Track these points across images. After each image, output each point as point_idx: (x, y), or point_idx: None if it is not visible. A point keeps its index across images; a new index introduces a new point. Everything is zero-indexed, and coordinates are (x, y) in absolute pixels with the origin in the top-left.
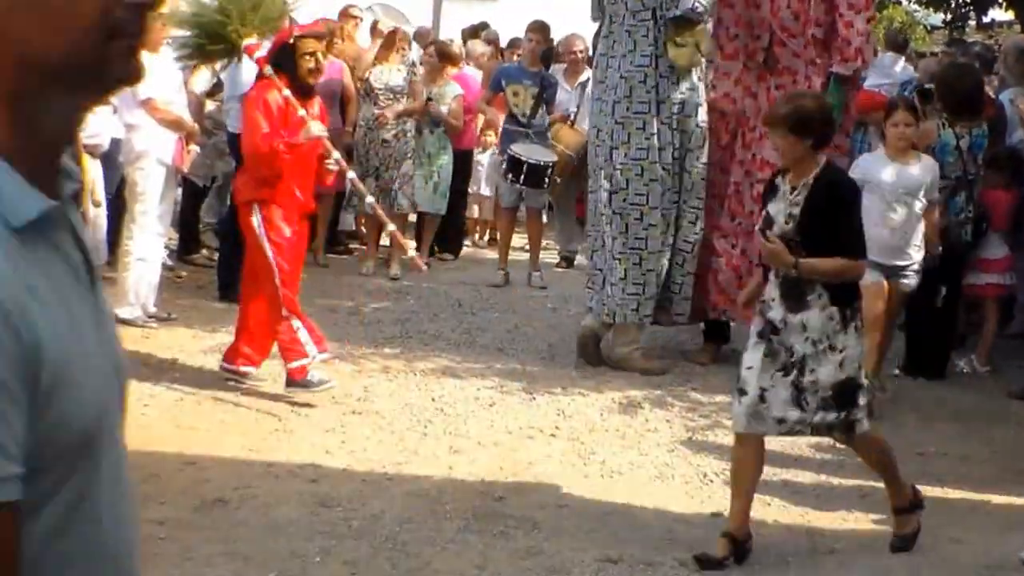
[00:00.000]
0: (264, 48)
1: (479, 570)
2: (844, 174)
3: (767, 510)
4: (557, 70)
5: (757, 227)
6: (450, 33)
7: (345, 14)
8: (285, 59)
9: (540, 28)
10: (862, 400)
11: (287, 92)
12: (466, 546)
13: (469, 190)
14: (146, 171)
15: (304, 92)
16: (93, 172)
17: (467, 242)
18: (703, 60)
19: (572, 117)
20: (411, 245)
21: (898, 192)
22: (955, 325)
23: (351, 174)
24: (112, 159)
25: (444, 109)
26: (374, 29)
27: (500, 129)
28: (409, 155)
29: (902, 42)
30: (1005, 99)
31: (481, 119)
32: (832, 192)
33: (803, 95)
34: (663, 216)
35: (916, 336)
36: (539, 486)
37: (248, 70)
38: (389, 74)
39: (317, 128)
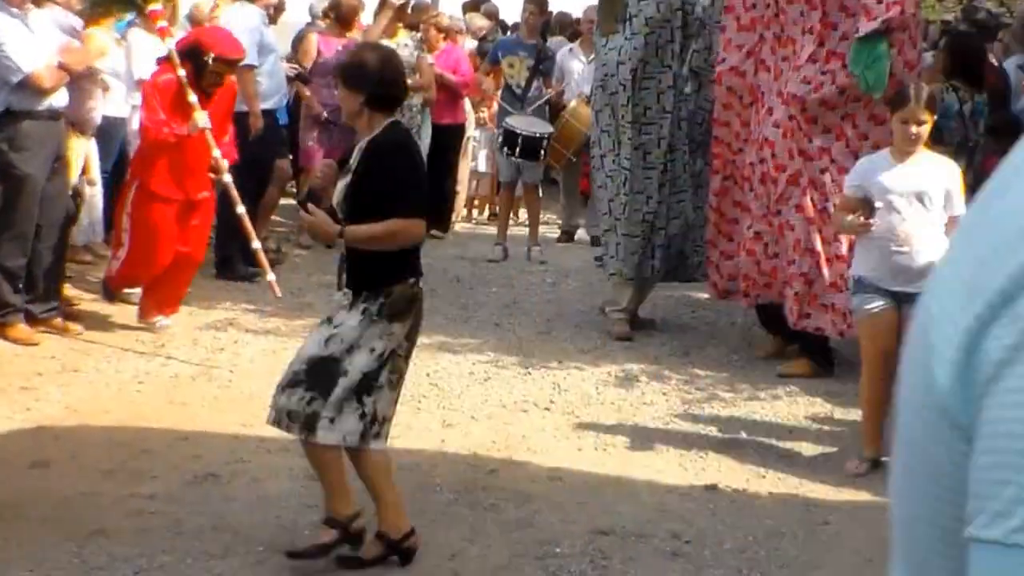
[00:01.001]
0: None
1: (468, 543)
2: (402, 134)
3: (762, 481)
4: (558, 43)
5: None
6: (451, 7)
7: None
8: (194, 59)
9: (536, 0)
10: (344, 399)
11: (182, 73)
12: (456, 519)
13: (470, 166)
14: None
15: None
16: (88, 150)
17: (461, 218)
18: None
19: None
20: (271, 275)
21: (907, 198)
22: None
23: (227, 178)
24: (108, 137)
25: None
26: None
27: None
28: (414, 131)
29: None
30: (1010, 66)
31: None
32: (378, 152)
33: (368, 47)
34: (664, 173)
35: None
36: (532, 459)
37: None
38: (396, 49)
39: (202, 120)
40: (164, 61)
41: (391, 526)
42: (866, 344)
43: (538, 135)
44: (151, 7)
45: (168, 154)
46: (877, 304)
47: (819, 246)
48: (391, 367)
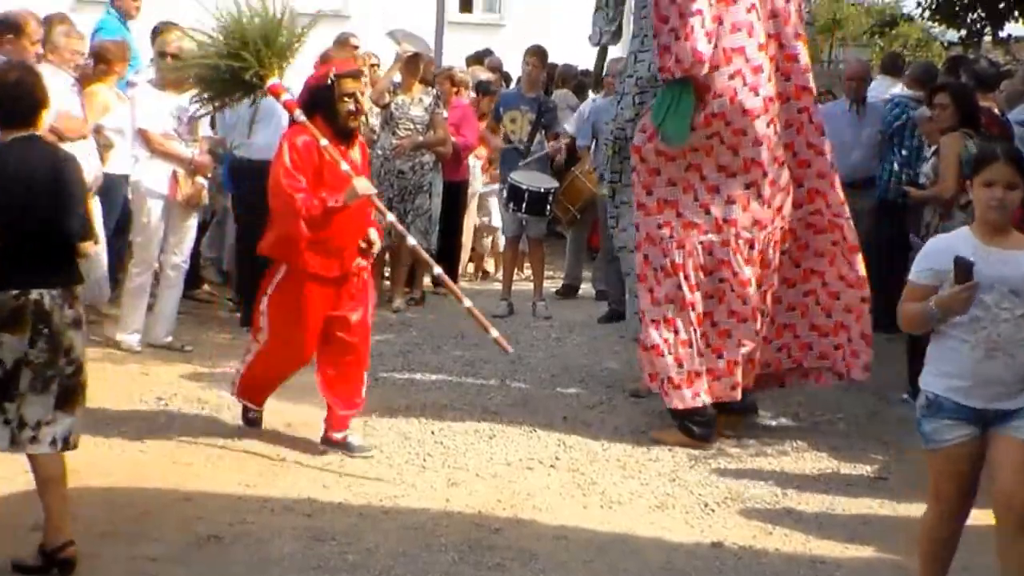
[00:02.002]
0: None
1: None
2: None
3: (769, 538)
4: (563, 95)
5: None
6: (453, 60)
7: (344, 43)
8: (321, 102)
9: (537, 53)
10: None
11: (325, 142)
12: None
13: (483, 221)
14: (139, 202)
15: (344, 137)
16: (91, 208)
17: (478, 274)
18: None
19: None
20: (493, 331)
21: (999, 290)
22: None
23: (390, 216)
24: (111, 195)
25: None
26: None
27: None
28: (425, 188)
29: (898, 65)
30: (1015, 118)
31: (473, 159)
32: None
33: (11, 67)
34: None
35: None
36: (537, 517)
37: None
38: (411, 104)
39: (363, 186)
40: (294, 124)
41: (51, 537)
42: (940, 482)
43: (543, 190)
44: (270, 82)
45: (319, 228)
46: (959, 435)
47: (646, 306)
48: (31, 374)
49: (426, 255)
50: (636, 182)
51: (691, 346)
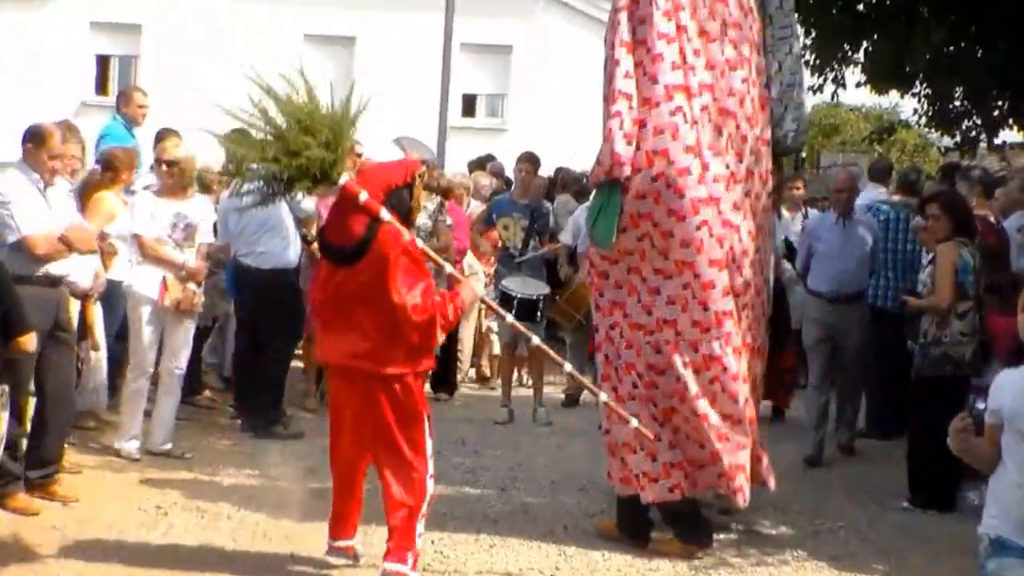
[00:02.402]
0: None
1: None
2: None
3: None
4: (564, 201)
5: None
6: (455, 165)
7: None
8: (400, 202)
9: (530, 159)
10: None
11: (420, 242)
12: None
13: (482, 328)
14: (132, 307)
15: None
16: (93, 315)
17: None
18: None
19: None
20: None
21: None
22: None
23: (509, 318)
24: (113, 301)
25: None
26: None
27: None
28: None
29: (885, 171)
30: (1011, 226)
31: (469, 255)
32: None
33: None
34: None
35: (922, 467)
36: None
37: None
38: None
39: (479, 288)
40: (385, 226)
41: None
42: None
43: (534, 297)
44: (343, 179)
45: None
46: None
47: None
48: None
49: (552, 353)
50: (591, 285)
51: (659, 439)
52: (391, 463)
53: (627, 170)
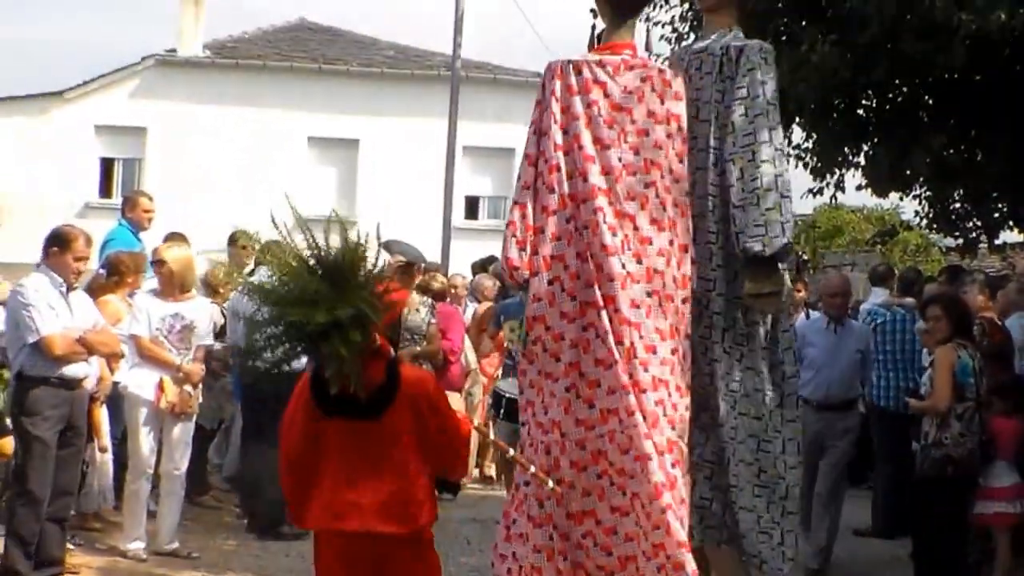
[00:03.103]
0: None
1: None
2: None
3: None
4: None
5: None
6: (459, 267)
7: None
8: (396, 337)
9: None
10: None
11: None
12: None
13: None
14: (129, 408)
15: None
16: (100, 417)
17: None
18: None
19: None
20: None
21: None
22: (965, 554)
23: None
24: (118, 403)
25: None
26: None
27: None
28: None
29: (887, 275)
30: (1013, 325)
31: (472, 357)
32: None
33: None
34: None
35: (927, 566)
36: None
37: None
38: (408, 314)
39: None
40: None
41: None
42: None
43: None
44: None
45: None
46: None
47: None
48: None
49: (523, 460)
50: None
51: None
52: None
53: (525, 273)
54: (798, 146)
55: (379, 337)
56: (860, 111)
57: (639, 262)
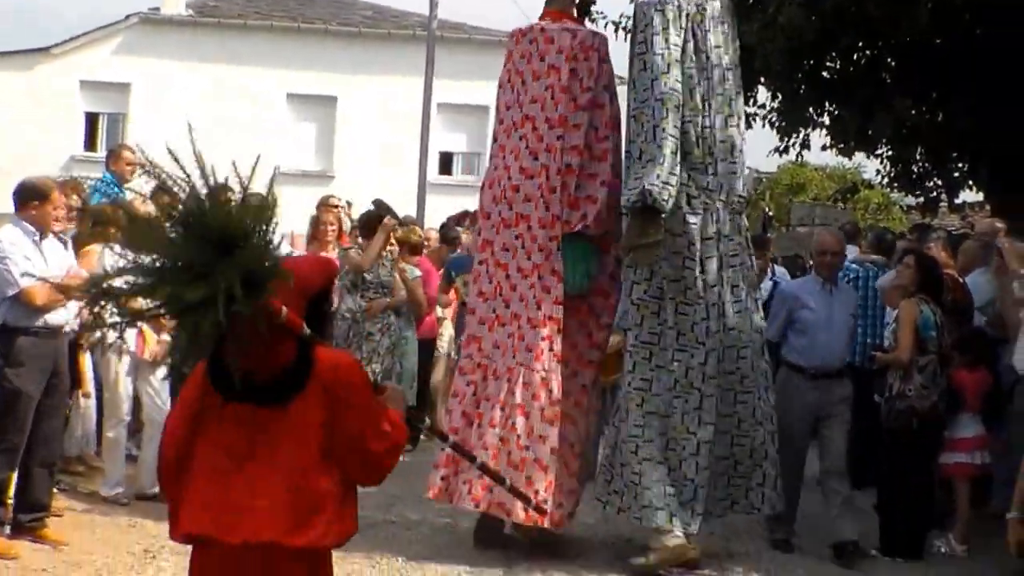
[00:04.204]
0: None
1: None
2: None
3: None
4: None
5: None
6: (432, 221)
7: (325, 205)
8: (323, 315)
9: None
10: None
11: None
12: None
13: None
14: (106, 358)
15: None
16: (84, 364)
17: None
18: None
19: None
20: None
21: None
22: (931, 504)
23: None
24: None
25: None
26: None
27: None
28: (399, 348)
29: (854, 232)
30: (971, 281)
31: (439, 310)
32: None
33: None
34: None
35: (891, 516)
36: None
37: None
38: (379, 267)
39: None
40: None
41: None
42: None
43: None
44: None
45: None
46: None
47: None
48: None
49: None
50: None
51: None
52: None
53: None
54: (764, 106)
55: (282, 308)
56: (825, 72)
57: (510, 208)
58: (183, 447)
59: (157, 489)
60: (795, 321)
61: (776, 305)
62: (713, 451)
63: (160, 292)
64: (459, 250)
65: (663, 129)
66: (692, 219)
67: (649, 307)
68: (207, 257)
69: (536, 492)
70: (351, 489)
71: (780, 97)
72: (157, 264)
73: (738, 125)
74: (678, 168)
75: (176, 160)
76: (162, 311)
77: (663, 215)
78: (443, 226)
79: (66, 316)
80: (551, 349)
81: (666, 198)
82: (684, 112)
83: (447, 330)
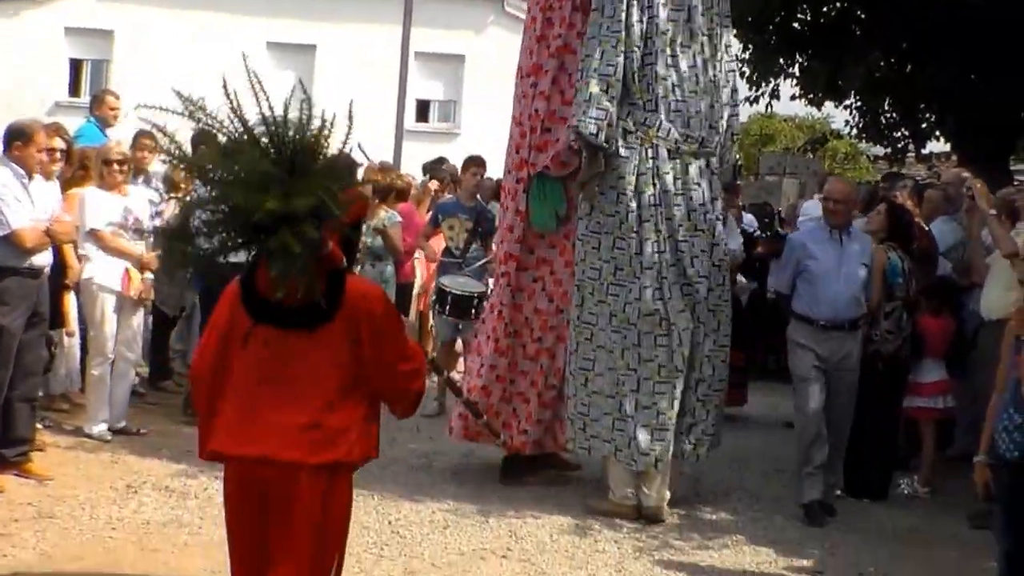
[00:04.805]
0: None
1: None
2: None
3: None
4: None
5: None
6: (409, 168)
7: None
8: (350, 245)
9: (477, 162)
10: None
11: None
12: None
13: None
14: (92, 297)
15: None
16: (69, 303)
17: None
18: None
19: None
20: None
21: None
22: (895, 446)
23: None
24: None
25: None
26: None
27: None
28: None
29: (823, 181)
30: (936, 228)
31: (419, 254)
32: None
33: None
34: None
35: (857, 457)
36: None
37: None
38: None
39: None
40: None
41: None
42: None
43: (468, 294)
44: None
45: None
46: None
47: None
48: None
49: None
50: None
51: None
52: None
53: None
54: (735, 56)
55: (331, 239)
56: (796, 24)
57: (507, 157)
58: (214, 367)
59: (124, 423)
60: (803, 271)
61: (785, 255)
62: (657, 389)
63: (237, 198)
64: (446, 193)
65: (591, 67)
66: (625, 153)
67: (590, 242)
68: (295, 178)
69: (519, 422)
70: (375, 413)
71: (751, 48)
72: (235, 180)
73: (712, 64)
74: (605, 102)
75: (231, 98)
76: (241, 241)
77: (603, 151)
78: (430, 168)
79: (49, 258)
80: (508, 284)
81: (592, 131)
82: (620, 48)
83: (420, 269)
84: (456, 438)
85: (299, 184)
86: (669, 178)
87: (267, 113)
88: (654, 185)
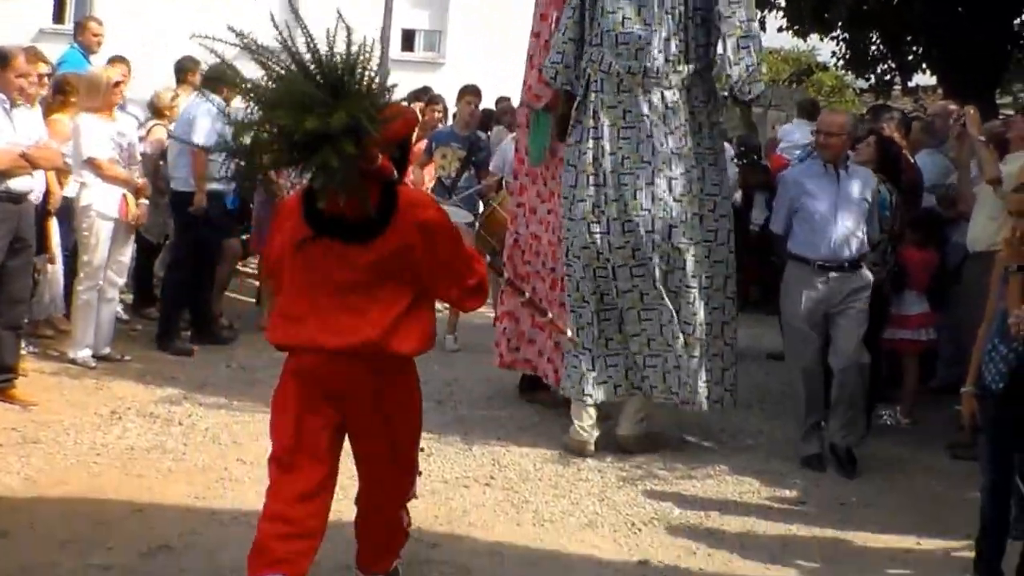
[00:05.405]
0: None
1: None
2: None
3: (693, 558)
4: (499, 132)
5: None
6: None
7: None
8: (401, 161)
9: (472, 91)
10: None
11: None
12: None
13: None
14: (88, 224)
15: None
16: (51, 230)
17: None
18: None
19: None
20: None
21: None
22: (877, 378)
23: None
24: (68, 218)
25: None
26: None
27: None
28: None
29: (813, 107)
30: (922, 160)
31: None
32: None
33: None
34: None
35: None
36: (472, 534)
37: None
38: None
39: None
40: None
41: None
42: None
43: (456, 223)
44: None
45: None
46: None
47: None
48: None
49: (537, 305)
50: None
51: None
52: (382, 466)
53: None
54: None
55: (379, 154)
56: None
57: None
58: (275, 269)
59: (108, 350)
60: (798, 210)
61: (779, 193)
62: (601, 324)
63: (283, 118)
64: (440, 124)
65: (565, 14)
66: (586, 95)
67: (564, 179)
68: (334, 98)
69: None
70: (430, 311)
71: None
72: (281, 102)
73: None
74: (562, 44)
75: (281, 31)
76: (289, 157)
77: (572, 93)
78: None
79: (31, 184)
80: (524, 216)
81: (551, 76)
82: None
83: None
84: (498, 365)
85: (340, 105)
86: (617, 111)
87: (309, 42)
88: (595, 118)
